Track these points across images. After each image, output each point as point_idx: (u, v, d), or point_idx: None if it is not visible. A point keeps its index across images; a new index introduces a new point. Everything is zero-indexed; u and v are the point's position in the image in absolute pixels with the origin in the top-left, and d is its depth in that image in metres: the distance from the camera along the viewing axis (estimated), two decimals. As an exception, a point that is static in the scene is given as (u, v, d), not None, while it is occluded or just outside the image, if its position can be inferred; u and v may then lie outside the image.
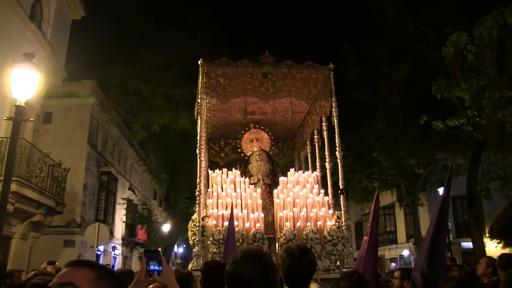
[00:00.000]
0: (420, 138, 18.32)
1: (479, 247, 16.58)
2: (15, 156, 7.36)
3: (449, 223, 20.59)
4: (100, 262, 22.24)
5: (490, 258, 7.33)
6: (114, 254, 26.29)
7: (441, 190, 20.41)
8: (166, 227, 25.80)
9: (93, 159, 22.87)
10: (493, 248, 24.14)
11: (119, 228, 27.68)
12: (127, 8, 20.21)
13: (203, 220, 7.96)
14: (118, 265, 26.17)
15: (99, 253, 22.00)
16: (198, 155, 8.39)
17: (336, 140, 8.56)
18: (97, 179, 23.79)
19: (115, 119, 23.55)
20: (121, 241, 27.82)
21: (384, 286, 7.00)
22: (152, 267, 2.06)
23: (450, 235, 21.21)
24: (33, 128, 16.04)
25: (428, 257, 3.80)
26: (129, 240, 29.00)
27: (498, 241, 16.27)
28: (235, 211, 8.08)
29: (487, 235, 25.31)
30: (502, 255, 6.25)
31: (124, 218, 28.07)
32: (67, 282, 1.74)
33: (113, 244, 25.62)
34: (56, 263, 12.13)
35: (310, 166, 10.73)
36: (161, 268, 2.07)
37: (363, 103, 18.87)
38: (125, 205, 27.45)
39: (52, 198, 15.68)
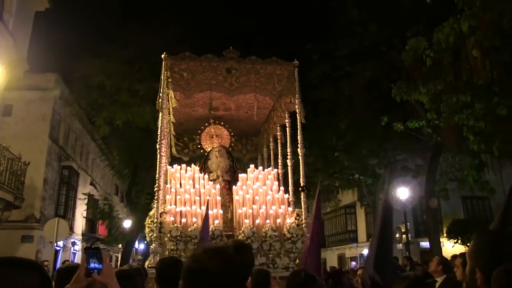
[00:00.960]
0: (381, 138, 18.71)
1: (436, 246, 17.07)
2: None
3: (408, 223, 21.06)
4: (59, 257, 21.98)
5: (442, 257, 7.62)
6: (73, 250, 25.92)
7: (399, 191, 20.94)
8: (127, 223, 25.66)
9: (54, 153, 22.48)
10: (450, 247, 24.95)
11: (80, 224, 27.30)
12: (91, 1, 19.88)
13: (160, 216, 7.89)
14: (77, 260, 25.78)
15: (58, 248, 21.69)
16: (158, 149, 8.39)
17: (298, 136, 8.57)
18: (58, 174, 23.38)
19: (78, 113, 23.20)
20: (81, 237, 27.45)
21: (347, 283, 7.13)
22: (92, 265, 1.97)
23: (409, 234, 21.67)
24: (-7, 121, 15.74)
25: (374, 259, 3.82)
26: (89, 236, 28.61)
27: (455, 240, 16.74)
28: (193, 207, 8.19)
29: (445, 234, 26.13)
30: (463, 253, 6.51)
31: (84, 214, 27.70)
32: None
33: (73, 240, 25.26)
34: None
35: (272, 163, 10.67)
36: (101, 266, 1.99)
37: (326, 102, 19.14)
38: (86, 200, 27.08)
39: (10, 192, 15.39)
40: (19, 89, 19.25)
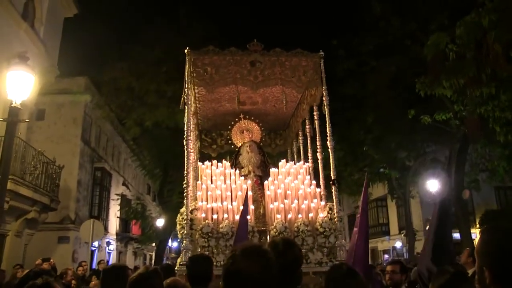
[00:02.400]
0: (408, 131, 18.59)
1: (467, 238, 16.91)
2: (11, 156, 7.54)
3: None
4: (95, 257, 22.48)
5: (473, 248, 7.58)
6: (108, 250, 26.47)
7: (429, 183, 20.76)
8: (160, 222, 25.97)
9: (86, 155, 22.98)
10: (482, 239, 24.54)
11: (113, 224, 27.83)
12: (118, 4, 20.27)
13: (191, 213, 7.72)
14: (112, 260, 26.37)
15: (93, 249, 22.17)
16: (185, 146, 8.17)
17: (327, 129, 8.29)
18: (91, 175, 23.91)
19: (108, 116, 23.59)
20: (115, 237, 27.99)
21: (377, 279, 7.10)
22: None
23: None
24: (27, 125, 16.16)
25: (432, 251, 3.78)
26: (123, 235, 29.16)
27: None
28: (224, 203, 7.98)
29: (477, 225, 25.82)
30: None
31: (118, 214, 28.21)
32: None
33: (107, 240, 25.79)
34: (51, 260, 12.33)
35: (302, 157, 10.49)
36: None
37: (353, 97, 19.10)
38: (119, 201, 27.59)
39: (46, 195, 15.86)
40: (51, 94, 19.75)
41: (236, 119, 10.45)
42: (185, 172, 7.97)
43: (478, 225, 26.02)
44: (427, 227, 4.32)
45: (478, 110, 10.77)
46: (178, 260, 8.00)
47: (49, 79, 17.25)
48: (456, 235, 19.86)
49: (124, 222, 29.16)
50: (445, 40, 9.21)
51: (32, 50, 14.89)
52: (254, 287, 1.89)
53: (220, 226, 7.59)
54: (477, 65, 8.66)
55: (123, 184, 30.09)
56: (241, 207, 7.86)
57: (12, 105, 7.33)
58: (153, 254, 33.61)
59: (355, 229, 5.57)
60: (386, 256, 32.08)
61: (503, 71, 8.41)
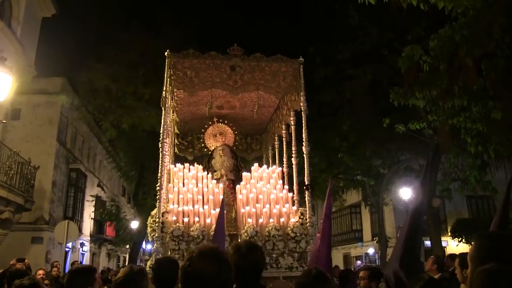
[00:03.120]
0: (384, 140, 18.87)
1: (437, 245, 17.27)
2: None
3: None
4: (68, 258, 22.32)
5: (437, 256, 7.82)
6: (82, 251, 26.28)
7: (403, 191, 21.10)
8: (134, 224, 25.93)
9: (62, 156, 22.83)
10: (454, 246, 25.12)
11: (88, 225, 27.66)
12: (96, 6, 20.18)
13: (163, 215, 7.73)
14: (86, 261, 26.17)
15: (67, 249, 22.02)
16: (160, 148, 8.18)
17: (303, 135, 8.40)
18: (66, 176, 23.74)
19: (85, 117, 23.56)
20: (89, 238, 27.80)
21: (354, 283, 7.17)
22: None
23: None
24: (1, 124, 16.04)
25: (401, 256, 3.77)
26: (97, 237, 28.97)
27: (459, 239, 16.84)
28: (195, 206, 8.00)
29: (449, 234, 26.32)
30: (461, 254, 6.37)
31: (92, 215, 28.06)
32: None
33: (81, 241, 25.60)
34: (26, 260, 12.26)
35: (277, 162, 10.52)
36: None
37: (329, 104, 19.32)
38: (93, 202, 27.45)
39: (21, 196, 15.82)
40: (27, 93, 19.54)
41: (210, 123, 10.52)
42: (159, 174, 7.95)
43: (450, 233, 26.53)
44: (398, 234, 4.32)
45: (450, 121, 11.07)
46: (148, 263, 8.20)
47: (25, 79, 17.13)
48: (427, 243, 20.27)
49: (99, 224, 28.99)
50: (419, 53, 9.46)
51: (9, 49, 14.84)
52: (209, 286, 1.95)
53: (191, 229, 7.66)
54: (449, 77, 8.93)
55: (98, 185, 29.92)
56: (213, 211, 7.96)
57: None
58: (127, 256, 33.48)
59: (318, 235, 5.58)
60: (358, 262, 32.36)
61: (473, 84, 8.71)
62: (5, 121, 10.89)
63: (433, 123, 14.76)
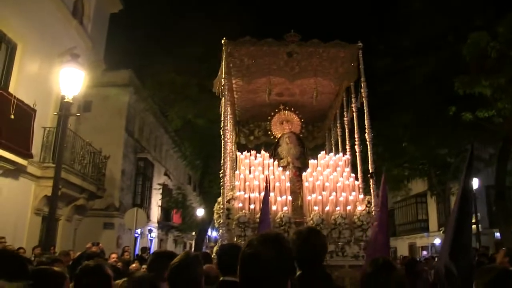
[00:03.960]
0: (449, 128, 18.35)
1: (507, 238, 16.71)
2: (63, 148, 8.07)
3: (479, 213, 20.61)
4: (138, 243, 23.26)
5: (509, 248, 7.56)
6: (150, 237, 27.21)
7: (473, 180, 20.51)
8: (200, 212, 26.51)
9: (130, 146, 23.62)
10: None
11: (155, 212, 28.53)
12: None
13: (228, 202, 7.82)
14: (154, 247, 27.09)
15: (136, 235, 22.94)
16: (222, 136, 8.21)
17: (366, 121, 8.24)
18: (134, 165, 24.56)
19: (151, 108, 24.22)
20: (157, 225, 28.70)
21: (423, 276, 7.08)
22: None
23: (479, 225, 21.23)
24: (75, 116, 16.87)
25: (451, 247, 3.54)
26: (164, 224, 29.81)
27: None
28: (262, 194, 7.75)
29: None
30: None
31: (159, 203, 28.92)
32: None
33: (149, 227, 26.49)
34: (100, 244, 13.04)
35: (340, 149, 10.27)
36: None
37: (391, 94, 18.93)
38: (160, 190, 28.29)
39: (93, 184, 16.70)
40: (97, 86, 20.33)
41: (276, 110, 10.45)
42: (222, 161, 8.02)
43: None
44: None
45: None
46: (214, 248, 8.06)
47: (96, 73, 17.91)
48: (497, 234, 19.65)
49: (166, 211, 29.76)
50: (486, 39, 9.16)
51: (81, 46, 15.62)
52: (267, 270, 1.93)
53: (257, 216, 7.47)
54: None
55: (165, 174, 30.74)
56: (279, 199, 7.91)
57: (65, 100, 7.85)
58: (193, 242, 34.31)
59: (374, 223, 5.58)
60: (424, 252, 31.72)
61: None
62: (79, 114, 11.46)
63: (502, 111, 14.25)
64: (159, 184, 28.13)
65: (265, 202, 5.94)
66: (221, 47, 8.51)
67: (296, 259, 2.85)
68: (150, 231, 27.01)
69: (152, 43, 20.70)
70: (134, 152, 24.40)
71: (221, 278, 3.47)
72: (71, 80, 8.06)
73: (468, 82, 10.20)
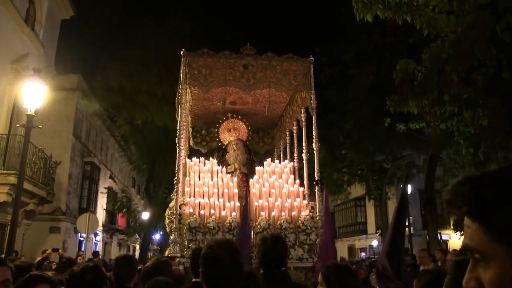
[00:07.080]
0: (386, 137, 19.47)
1: (433, 239, 18.08)
2: (26, 159, 8.50)
3: (411, 217, 22.00)
4: (83, 247, 23.24)
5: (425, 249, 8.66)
6: (95, 240, 27.05)
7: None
8: (145, 215, 26.68)
9: (77, 150, 23.47)
10: (457, 239, 25.96)
11: (100, 216, 28.35)
12: (110, 5, 20.84)
13: (180, 208, 8.13)
14: (98, 249, 27.04)
15: (81, 239, 22.94)
16: (177, 143, 8.63)
17: (314, 132, 8.79)
18: (81, 169, 24.40)
19: (100, 113, 24.23)
20: (102, 228, 28.69)
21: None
22: None
23: (411, 228, 22.68)
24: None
25: (387, 248, 4.10)
26: (109, 227, 29.72)
27: (461, 233, 17.43)
28: (211, 199, 8.39)
29: (452, 227, 27.15)
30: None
31: (105, 206, 28.86)
32: None
33: (95, 231, 26.45)
34: (60, 250, 13.23)
35: (288, 156, 10.90)
36: None
37: (333, 102, 19.89)
38: (106, 194, 28.32)
39: (44, 189, 16.84)
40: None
41: (224, 118, 10.97)
42: (176, 168, 8.46)
43: (452, 227, 27.42)
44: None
45: (443, 125, 11.80)
46: (166, 252, 8.55)
47: (46, 78, 17.95)
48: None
49: (111, 214, 29.75)
50: (413, 66, 10.14)
51: (33, 52, 15.81)
52: (223, 267, 2.35)
53: (207, 221, 8.09)
54: (438, 89, 9.63)
55: (110, 177, 30.65)
56: (228, 204, 8.39)
57: (28, 113, 8.29)
58: (137, 245, 34.37)
59: (321, 230, 6.19)
60: (362, 254, 32.94)
61: (462, 95, 9.49)
62: (41, 126, 11.68)
63: (432, 124, 15.43)
64: (105, 188, 28.14)
65: (244, 219, 6.45)
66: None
67: (261, 261, 3.51)
68: (95, 234, 26.92)
69: (102, 49, 20.67)
70: (81, 156, 24.32)
71: (193, 280, 3.74)
72: (34, 94, 8.50)
73: (397, 101, 11.21)
